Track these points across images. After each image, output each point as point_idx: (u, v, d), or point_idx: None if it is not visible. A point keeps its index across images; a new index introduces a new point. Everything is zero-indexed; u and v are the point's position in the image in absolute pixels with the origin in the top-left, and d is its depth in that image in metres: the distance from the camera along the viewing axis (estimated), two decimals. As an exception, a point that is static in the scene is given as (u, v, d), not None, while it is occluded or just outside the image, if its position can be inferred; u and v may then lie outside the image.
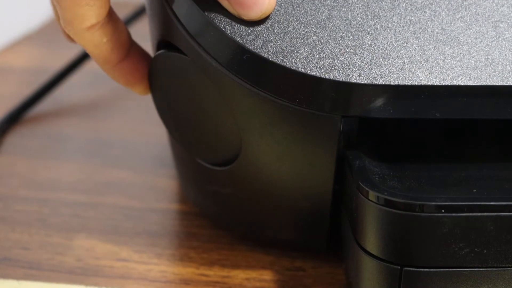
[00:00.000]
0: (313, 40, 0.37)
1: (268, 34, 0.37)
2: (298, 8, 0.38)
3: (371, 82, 0.36)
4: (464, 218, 0.35)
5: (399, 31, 0.37)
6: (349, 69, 0.36)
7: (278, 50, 0.37)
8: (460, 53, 0.37)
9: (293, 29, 0.37)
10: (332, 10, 0.38)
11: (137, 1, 0.75)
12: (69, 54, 0.66)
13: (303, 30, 0.37)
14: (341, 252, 0.42)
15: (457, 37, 0.37)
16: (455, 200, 0.35)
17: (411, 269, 0.35)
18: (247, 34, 0.37)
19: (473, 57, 0.37)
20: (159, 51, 0.41)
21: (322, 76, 0.36)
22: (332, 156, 0.39)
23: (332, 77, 0.36)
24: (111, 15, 0.41)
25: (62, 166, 0.54)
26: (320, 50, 0.37)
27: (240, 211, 0.44)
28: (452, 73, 0.37)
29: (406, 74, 0.36)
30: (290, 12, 0.38)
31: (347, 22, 0.37)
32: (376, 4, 0.38)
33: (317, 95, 0.37)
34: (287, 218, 0.42)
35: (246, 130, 0.40)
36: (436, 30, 0.37)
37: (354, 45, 0.37)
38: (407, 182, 0.37)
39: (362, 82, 0.36)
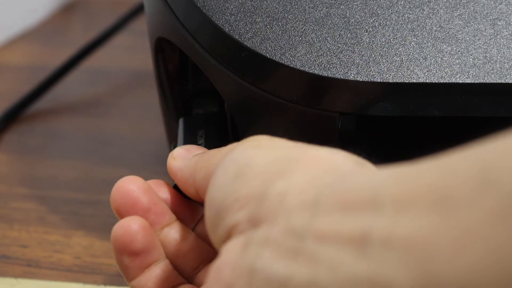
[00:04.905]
0: (312, 38, 0.37)
1: (267, 32, 0.37)
2: (296, 6, 0.38)
3: (369, 80, 0.36)
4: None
5: (397, 29, 0.37)
6: (347, 66, 0.36)
7: (276, 48, 0.37)
8: (458, 50, 0.37)
9: (292, 26, 0.37)
10: (330, 8, 0.38)
11: (135, -2, 0.75)
12: (68, 51, 0.66)
13: (302, 28, 0.37)
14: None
15: (455, 35, 0.37)
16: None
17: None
18: (246, 31, 0.37)
19: (471, 55, 0.37)
20: None
21: (320, 73, 0.36)
22: (331, 154, 0.39)
23: (330, 75, 0.36)
24: None
25: (61, 163, 0.54)
26: (318, 47, 0.37)
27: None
28: (450, 70, 0.37)
29: (404, 72, 0.36)
30: (288, 9, 0.38)
31: (345, 19, 0.37)
32: (374, 1, 0.38)
33: (315, 93, 0.37)
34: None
35: (244, 128, 0.40)
36: (434, 28, 0.37)
37: (352, 43, 0.37)
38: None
39: (360, 80, 0.36)
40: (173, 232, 0.34)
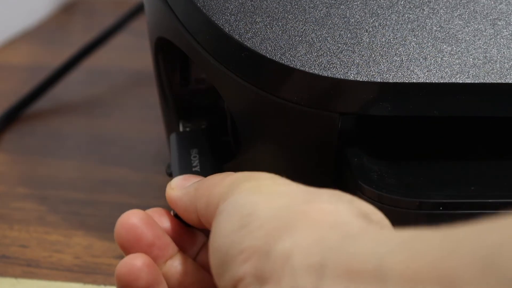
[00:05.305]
0: (312, 38, 0.37)
1: (267, 32, 0.37)
2: (296, 6, 0.38)
3: (369, 80, 0.36)
4: (462, 215, 0.35)
5: (397, 29, 0.37)
6: (347, 66, 0.36)
7: (276, 48, 0.37)
8: (458, 50, 0.37)
9: (292, 26, 0.37)
10: (331, 8, 0.38)
11: (135, -2, 0.75)
12: (68, 51, 0.66)
13: (302, 28, 0.37)
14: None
15: (455, 35, 0.37)
16: (454, 198, 0.35)
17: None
18: (246, 31, 0.37)
19: (471, 55, 0.37)
20: None
21: (320, 73, 0.36)
22: (331, 154, 0.39)
23: (330, 75, 0.36)
24: None
25: (61, 163, 0.54)
26: (318, 47, 0.37)
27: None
28: (450, 70, 0.37)
29: (404, 72, 0.36)
30: (288, 9, 0.38)
31: (345, 19, 0.37)
32: (375, 1, 0.38)
33: (315, 93, 0.37)
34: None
35: (244, 128, 0.40)
36: (435, 28, 0.37)
37: (352, 43, 0.37)
38: (405, 179, 0.37)
39: (360, 80, 0.36)
40: (176, 265, 0.35)
